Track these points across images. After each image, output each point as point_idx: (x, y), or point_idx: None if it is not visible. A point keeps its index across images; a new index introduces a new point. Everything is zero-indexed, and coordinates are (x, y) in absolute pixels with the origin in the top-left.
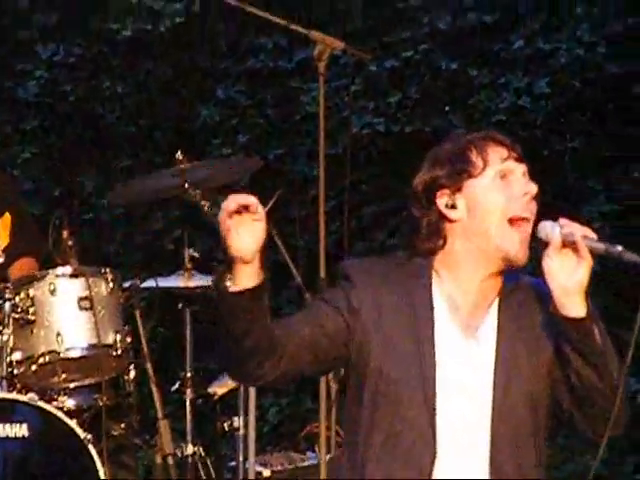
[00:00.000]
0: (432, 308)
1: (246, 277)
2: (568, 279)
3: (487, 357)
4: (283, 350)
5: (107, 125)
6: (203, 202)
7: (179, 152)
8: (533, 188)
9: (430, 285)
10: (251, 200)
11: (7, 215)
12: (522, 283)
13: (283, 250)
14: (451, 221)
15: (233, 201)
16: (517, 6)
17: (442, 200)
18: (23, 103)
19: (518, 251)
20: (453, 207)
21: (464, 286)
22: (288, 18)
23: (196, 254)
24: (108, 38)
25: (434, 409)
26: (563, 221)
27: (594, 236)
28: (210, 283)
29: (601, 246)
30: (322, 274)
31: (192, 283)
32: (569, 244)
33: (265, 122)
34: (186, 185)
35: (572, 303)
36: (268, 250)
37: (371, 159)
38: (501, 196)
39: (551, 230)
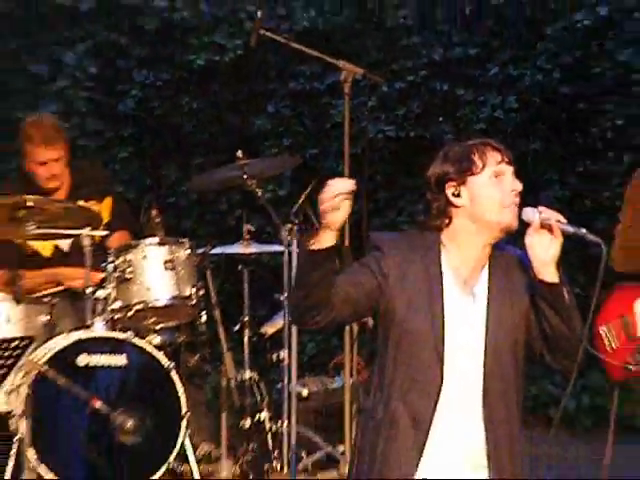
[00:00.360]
0: (441, 273)
1: (328, 240)
2: (544, 253)
3: (480, 310)
4: (333, 304)
5: (185, 133)
6: (257, 189)
7: (239, 152)
8: (519, 186)
9: (439, 255)
10: (353, 185)
11: (108, 199)
12: (505, 252)
13: (317, 225)
14: (456, 206)
15: (345, 185)
16: (492, 42)
17: (450, 190)
18: (122, 115)
19: (512, 220)
20: (458, 196)
21: (464, 255)
22: (321, 51)
23: (252, 228)
24: (187, 66)
25: (442, 357)
26: (542, 208)
27: (565, 220)
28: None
29: (570, 229)
30: (347, 243)
31: (249, 250)
32: (546, 226)
33: (303, 129)
34: (245, 177)
35: (547, 271)
36: (306, 225)
37: (383, 157)
38: (495, 191)
39: (532, 214)
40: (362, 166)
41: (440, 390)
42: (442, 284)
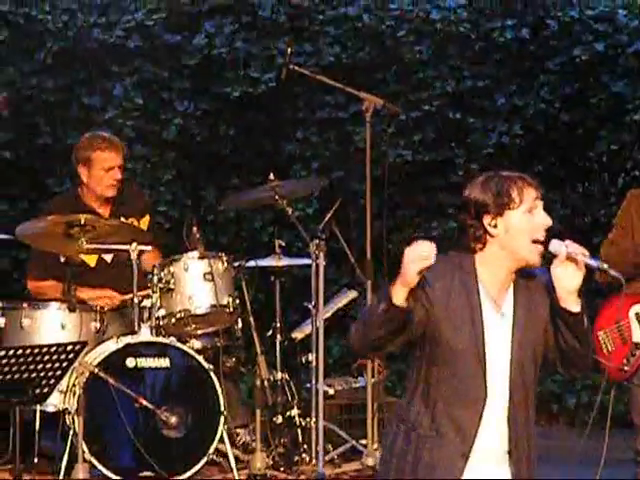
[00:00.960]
0: (479, 295)
1: (402, 297)
2: (568, 283)
3: (507, 326)
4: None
5: (222, 157)
6: (288, 208)
7: (271, 174)
8: (549, 221)
9: (476, 278)
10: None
11: (147, 217)
12: (529, 271)
13: (342, 240)
14: (491, 235)
15: (430, 252)
16: (500, 75)
17: (487, 220)
18: (165, 142)
19: (537, 261)
20: (495, 226)
21: (494, 277)
22: (345, 83)
23: (283, 243)
24: (223, 98)
25: (485, 372)
26: (568, 242)
27: (588, 254)
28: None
29: (593, 263)
30: (368, 256)
31: (280, 263)
32: (571, 259)
33: (329, 154)
34: (276, 197)
35: (570, 300)
36: (332, 240)
37: (401, 179)
38: (528, 225)
39: (559, 247)
40: (382, 187)
41: (485, 404)
42: (480, 305)
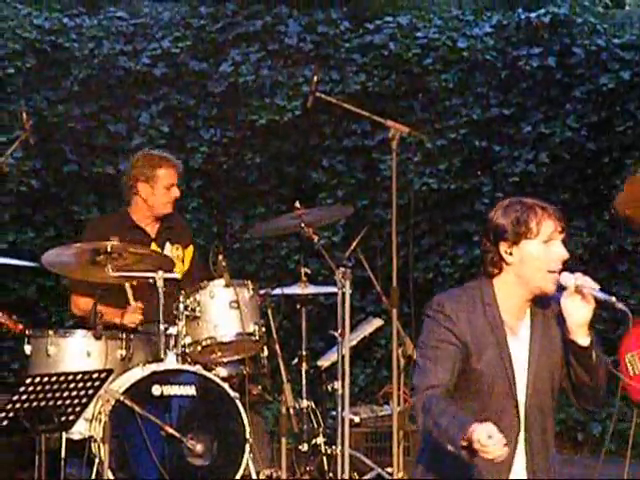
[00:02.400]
0: (503, 324)
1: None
2: (577, 315)
3: (524, 351)
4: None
5: (248, 184)
6: (314, 236)
7: (297, 202)
8: (566, 255)
9: (497, 307)
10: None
11: (191, 248)
12: (546, 298)
13: (368, 268)
14: (507, 263)
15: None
16: (526, 103)
17: (503, 247)
18: (191, 169)
19: (551, 289)
20: (510, 254)
21: (512, 303)
22: (371, 111)
23: (309, 271)
24: (250, 125)
25: (516, 396)
26: (577, 275)
27: (597, 287)
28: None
29: (602, 296)
30: (394, 284)
31: (306, 291)
32: (579, 291)
33: (355, 182)
34: (302, 225)
35: (579, 332)
36: (357, 268)
37: (427, 207)
38: (544, 256)
39: (568, 280)
40: (408, 215)
41: (519, 434)
42: (505, 330)
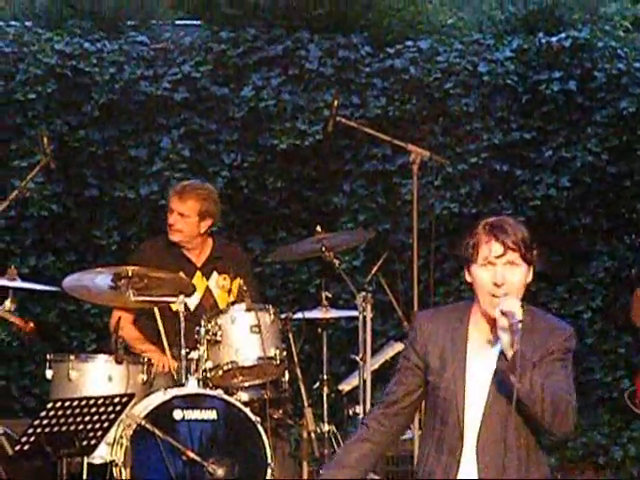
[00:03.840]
0: (467, 341)
1: None
2: (502, 340)
3: (490, 367)
4: (411, 418)
5: (269, 209)
6: (335, 260)
7: (318, 227)
8: (497, 280)
9: (467, 325)
10: None
11: (238, 280)
12: (528, 318)
13: (389, 292)
14: (470, 283)
15: None
16: (547, 127)
17: (466, 270)
18: None
19: (492, 313)
20: (469, 276)
21: (482, 323)
22: (392, 135)
23: (330, 295)
24: (270, 150)
25: (463, 414)
26: (506, 300)
27: (513, 312)
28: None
29: (514, 326)
30: (415, 309)
31: (327, 315)
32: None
33: (376, 206)
34: (323, 249)
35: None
36: (379, 292)
37: (448, 231)
38: (481, 280)
39: (500, 305)
40: (429, 239)
41: (462, 451)
42: (466, 350)
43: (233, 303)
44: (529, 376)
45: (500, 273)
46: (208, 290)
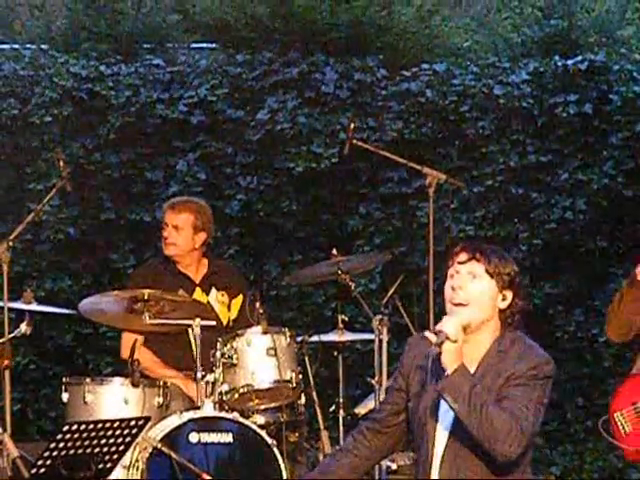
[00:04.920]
0: (435, 371)
1: None
2: None
3: None
4: (399, 438)
5: (285, 232)
6: (351, 283)
7: (334, 249)
8: (457, 283)
9: (438, 356)
10: None
11: (240, 297)
12: (506, 348)
13: (405, 315)
14: None
15: None
16: (563, 150)
17: None
18: (228, 217)
19: (442, 322)
20: None
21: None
22: (408, 158)
23: (346, 318)
24: (286, 173)
25: (434, 433)
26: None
27: (439, 329)
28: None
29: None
30: None
31: (343, 338)
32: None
33: (392, 229)
34: (339, 272)
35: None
36: (395, 315)
37: None
38: (447, 288)
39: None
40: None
41: (432, 466)
42: (438, 370)
43: (250, 326)
44: (466, 397)
45: (460, 279)
46: (210, 306)
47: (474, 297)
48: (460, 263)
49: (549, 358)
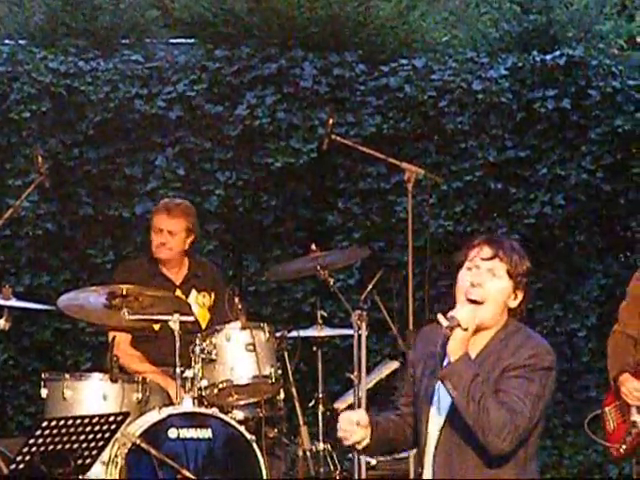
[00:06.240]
0: (443, 352)
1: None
2: None
3: None
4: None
5: (264, 227)
6: (329, 279)
7: (313, 245)
8: (477, 279)
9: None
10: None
11: (213, 294)
12: (508, 338)
13: (384, 310)
14: None
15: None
16: (541, 145)
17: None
18: (207, 212)
19: (455, 310)
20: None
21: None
22: (387, 154)
23: (324, 313)
24: (265, 168)
25: (428, 419)
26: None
27: (451, 315)
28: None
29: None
30: (410, 327)
31: (322, 333)
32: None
33: (371, 224)
34: (318, 267)
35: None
36: (374, 310)
37: (442, 249)
38: (462, 280)
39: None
40: (424, 257)
41: (422, 472)
42: (438, 362)
43: (229, 321)
44: (466, 386)
45: (479, 275)
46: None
47: (491, 296)
48: (483, 259)
49: (549, 349)
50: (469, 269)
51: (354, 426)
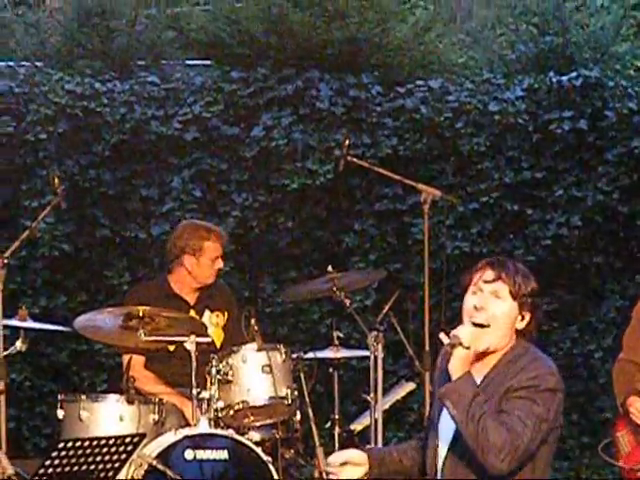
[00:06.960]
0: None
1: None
2: None
3: None
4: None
5: (280, 249)
6: (346, 300)
7: (329, 266)
8: (480, 303)
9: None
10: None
11: (227, 313)
12: (516, 360)
13: (400, 332)
14: None
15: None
16: (558, 166)
17: None
18: None
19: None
20: None
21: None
22: (403, 175)
23: (341, 335)
24: (281, 190)
25: (437, 437)
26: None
27: (455, 334)
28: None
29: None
30: (427, 348)
31: (338, 355)
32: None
33: (387, 246)
34: (334, 288)
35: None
36: (390, 331)
37: (459, 270)
38: (468, 303)
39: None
40: (440, 278)
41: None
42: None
43: (244, 343)
44: (466, 405)
45: (483, 298)
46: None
47: (496, 319)
48: (485, 282)
49: (553, 370)
50: (474, 293)
51: (338, 466)
